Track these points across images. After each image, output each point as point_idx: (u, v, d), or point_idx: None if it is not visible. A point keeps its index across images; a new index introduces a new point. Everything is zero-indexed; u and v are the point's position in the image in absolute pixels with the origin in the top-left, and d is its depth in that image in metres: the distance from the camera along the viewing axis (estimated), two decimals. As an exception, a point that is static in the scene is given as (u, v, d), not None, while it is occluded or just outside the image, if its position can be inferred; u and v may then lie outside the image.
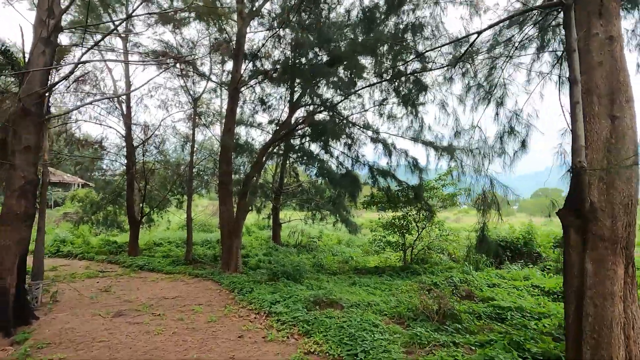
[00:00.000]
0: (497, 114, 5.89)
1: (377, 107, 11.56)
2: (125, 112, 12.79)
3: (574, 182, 3.06)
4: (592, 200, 3.03)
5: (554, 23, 5.50)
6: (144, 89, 13.72)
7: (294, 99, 12.16)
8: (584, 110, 3.17)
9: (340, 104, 11.49)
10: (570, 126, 3.53)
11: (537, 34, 6.03)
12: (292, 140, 13.24)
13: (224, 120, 11.91)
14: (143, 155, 12.70)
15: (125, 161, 12.83)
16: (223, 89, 14.10)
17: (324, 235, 18.43)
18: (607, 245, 2.99)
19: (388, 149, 10.79)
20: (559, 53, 5.47)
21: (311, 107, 11.69)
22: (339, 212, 14.08)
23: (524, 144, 5.76)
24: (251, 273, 9.68)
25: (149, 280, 9.28)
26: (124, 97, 12.97)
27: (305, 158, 12.71)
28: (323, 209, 15.08)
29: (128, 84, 12.92)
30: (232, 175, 12.05)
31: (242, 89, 12.29)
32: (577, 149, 2.94)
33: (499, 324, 5.52)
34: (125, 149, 12.85)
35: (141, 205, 12.87)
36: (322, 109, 11.12)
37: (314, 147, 12.17)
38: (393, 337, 4.55)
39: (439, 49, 5.57)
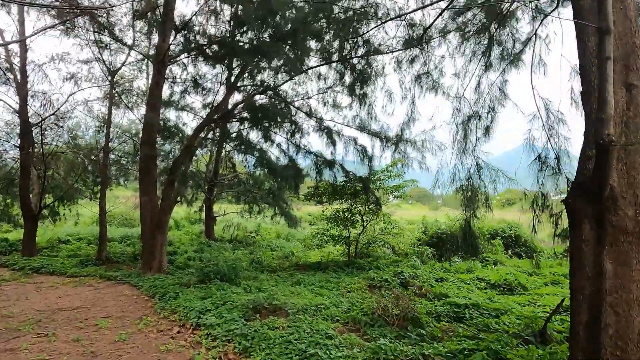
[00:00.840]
0: (478, 84, 5.42)
1: (324, 93, 10.81)
2: (19, 81, 10.43)
3: (597, 161, 2.49)
4: (611, 184, 2.51)
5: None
6: (47, 57, 11.35)
7: (232, 80, 10.89)
8: (594, 79, 2.63)
9: (283, 87, 10.52)
10: (588, 92, 2.90)
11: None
12: (229, 127, 11.97)
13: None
14: (42, 136, 10.45)
15: (19, 141, 10.50)
16: (149, 62, 12.25)
17: (262, 229, 17.39)
18: (632, 240, 2.49)
19: (332, 138, 10.10)
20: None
21: (251, 90, 10.54)
22: (279, 204, 13.14)
23: (487, 130, 5.37)
24: (178, 274, 8.36)
25: (45, 286, 7.51)
26: (18, 64, 10.59)
27: (243, 147, 11.55)
28: (261, 202, 14.00)
29: (24, 47, 10.58)
30: (158, 162, 10.46)
31: (173, 65, 10.70)
32: (605, 119, 2.33)
33: (460, 324, 5.07)
34: (19, 127, 10.52)
35: (40, 195, 10.67)
36: (263, 90, 10.04)
37: (254, 136, 11.08)
38: (352, 353, 3.77)
39: (403, 17, 4.90)
